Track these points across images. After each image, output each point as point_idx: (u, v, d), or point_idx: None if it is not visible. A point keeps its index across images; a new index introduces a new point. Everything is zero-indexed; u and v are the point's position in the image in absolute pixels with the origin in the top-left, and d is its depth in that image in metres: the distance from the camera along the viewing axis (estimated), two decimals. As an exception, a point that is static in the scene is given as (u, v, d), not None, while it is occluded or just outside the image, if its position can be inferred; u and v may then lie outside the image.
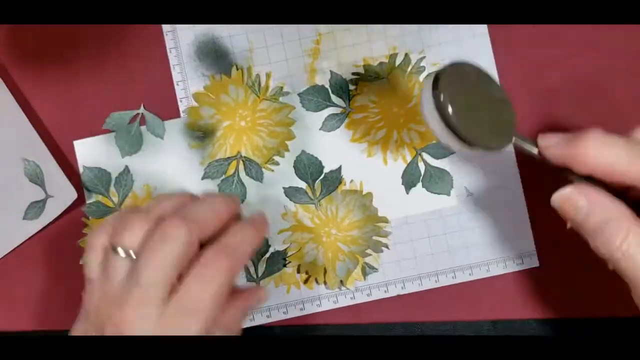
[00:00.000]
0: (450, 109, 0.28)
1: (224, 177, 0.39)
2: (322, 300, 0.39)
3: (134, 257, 0.29)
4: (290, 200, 0.39)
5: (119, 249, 0.29)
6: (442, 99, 0.28)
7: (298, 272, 0.39)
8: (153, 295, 0.28)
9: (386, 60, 0.39)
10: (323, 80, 0.39)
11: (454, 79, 0.29)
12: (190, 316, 0.28)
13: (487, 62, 0.39)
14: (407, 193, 0.39)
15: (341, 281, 0.39)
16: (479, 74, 0.30)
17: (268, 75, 0.39)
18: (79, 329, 0.30)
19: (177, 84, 0.39)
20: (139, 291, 0.28)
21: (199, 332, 0.29)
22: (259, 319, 0.39)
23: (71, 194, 0.38)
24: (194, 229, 0.29)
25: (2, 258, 0.39)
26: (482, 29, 0.39)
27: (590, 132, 0.29)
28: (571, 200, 0.29)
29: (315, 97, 0.39)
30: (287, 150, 0.39)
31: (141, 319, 0.28)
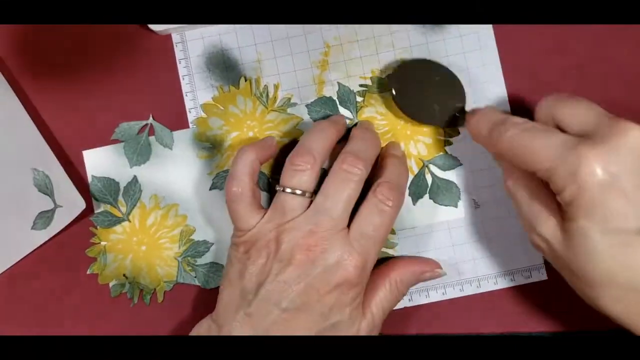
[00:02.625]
0: (395, 96, 0.38)
1: (231, 187, 0.39)
2: (329, 312, 0.39)
3: (308, 196, 0.34)
4: (298, 211, 0.39)
5: (297, 191, 0.34)
6: (392, 90, 0.38)
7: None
8: (341, 225, 0.34)
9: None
10: (331, 91, 0.39)
11: (405, 73, 0.38)
12: (372, 242, 0.34)
13: (494, 73, 0.39)
14: (414, 204, 0.39)
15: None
16: (435, 66, 0.38)
17: (276, 87, 0.40)
18: (254, 271, 0.34)
19: (186, 95, 0.40)
20: (330, 221, 0.33)
21: (374, 260, 0.35)
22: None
23: (80, 204, 0.38)
24: (366, 166, 0.35)
25: (10, 267, 0.39)
26: (490, 41, 0.39)
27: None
28: None
29: (322, 108, 0.39)
30: (295, 161, 0.39)
31: (334, 243, 0.33)
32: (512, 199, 0.34)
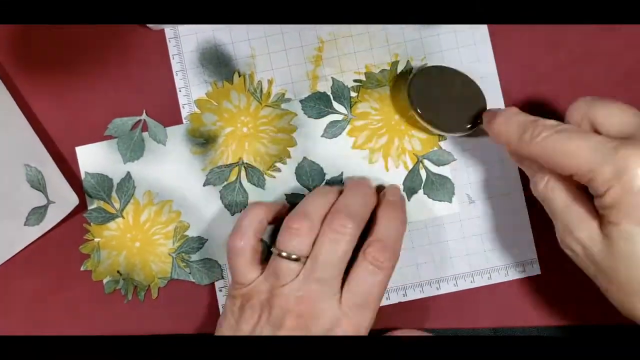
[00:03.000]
0: (416, 103, 0.37)
1: (225, 183, 0.39)
2: (324, 307, 0.39)
3: (303, 261, 0.33)
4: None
5: (292, 255, 0.33)
6: (411, 96, 0.37)
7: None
8: (332, 289, 0.33)
9: (388, 68, 0.39)
10: (325, 87, 0.39)
11: (424, 79, 0.37)
12: (365, 307, 0.33)
13: (488, 69, 0.39)
14: (409, 200, 0.39)
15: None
16: (452, 73, 0.38)
17: (270, 82, 0.39)
18: (246, 329, 0.33)
19: (180, 91, 0.39)
20: (320, 288, 0.33)
21: (371, 322, 0.34)
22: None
23: (73, 200, 0.38)
24: (358, 224, 0.34)
25: (3, 264, 0.39)
26: (484, 36, 0.39)
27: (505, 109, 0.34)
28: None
29: (317, 103, 0.39)
30: (289, 156, 0.39)
31: (324, 310, 0.33)
32: (544, 203, 0.33)
